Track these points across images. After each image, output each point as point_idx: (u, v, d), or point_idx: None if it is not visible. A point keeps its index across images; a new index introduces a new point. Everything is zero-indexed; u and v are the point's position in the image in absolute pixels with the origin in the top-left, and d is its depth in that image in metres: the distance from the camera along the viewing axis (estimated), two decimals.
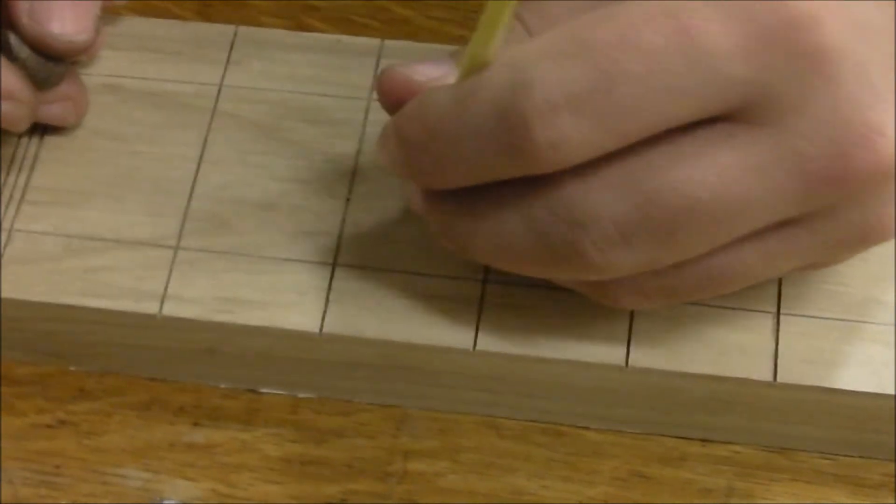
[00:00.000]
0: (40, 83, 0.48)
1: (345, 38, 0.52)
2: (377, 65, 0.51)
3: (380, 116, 0.50)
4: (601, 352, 0.46)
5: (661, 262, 0.41)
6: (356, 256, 0.47)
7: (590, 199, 0.40)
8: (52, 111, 0.49)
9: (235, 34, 0.52)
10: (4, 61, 0.47)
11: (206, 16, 0.55)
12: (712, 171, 0.39)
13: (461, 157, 0.40)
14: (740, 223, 0.40)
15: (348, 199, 0.48)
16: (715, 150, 0.39)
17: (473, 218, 0.42)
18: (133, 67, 0.51)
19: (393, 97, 0.43)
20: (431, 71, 0.43)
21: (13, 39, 0.47)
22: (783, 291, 0.46)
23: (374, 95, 0.50)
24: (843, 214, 0.40)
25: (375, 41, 0.52)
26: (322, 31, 0.54)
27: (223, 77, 0.51)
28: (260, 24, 0.54)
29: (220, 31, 0.52)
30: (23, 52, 0.47)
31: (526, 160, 0.39)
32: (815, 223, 0.41)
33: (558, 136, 0.38)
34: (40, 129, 0.50)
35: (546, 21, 0.42)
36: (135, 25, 0.52)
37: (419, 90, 0.42)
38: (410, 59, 0.44)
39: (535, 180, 0.40)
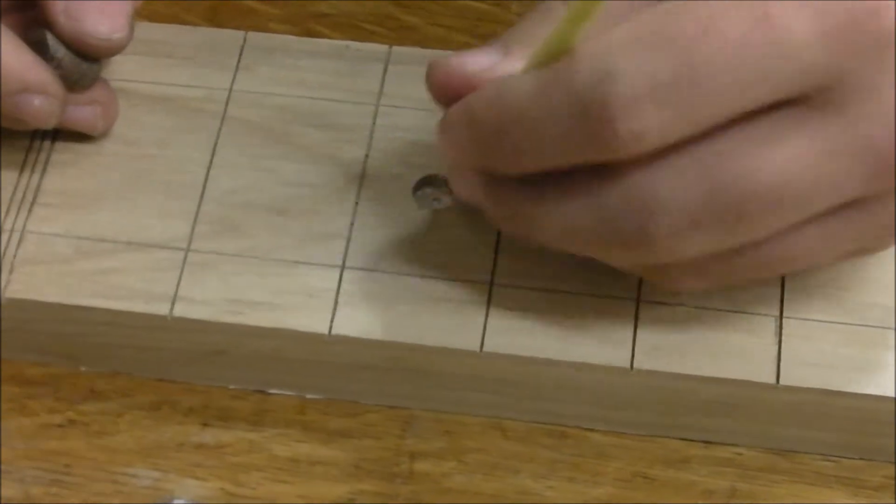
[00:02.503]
0: (74, 83, 0.48)
1: (353, 44, 0.53)
2: (385, 71, 0.52)
3: (388, 121, 0.50)
4: (606, 354, 0.46)
5: (727, 246, 0.41)
6: (364, 259, 0.48)
7: (660, 187, 0.40)
8: (82, 115, 0.49)
9: (245, 40, 0.53)
10: (37, 57, 0.48)
11: (214, 22, 0.56)
12: (783, 158, 0.39)
13: (538, 144, 0.41)
14: (807, 207, 0.40)
15: (357, 203, 0.49)
16: (786, 135, 0.39)
17: (540, 204, 0.42)
18: (143, 72, 0.52)
19: (447, 89, 0.44)
20: (483, 60, 0.43)
21: (50, 38, 0.48)
22: (785, 295, 0.47)
23: (383, 101, 0.51)
24: None
25: (383, 47, 0.52)
26: (330, 38, 0.54)
27: (233, 82, 0.52)
28: (268, 31, 0.54)
29: (229, 37, 0.53)
30: (59, 51, 0.48)
31: (605, 149, 0.40)
32: (876, 206, 0.41)
33: (641, 127, 0.39)
34: (52, 133, 0.50)
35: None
36: (145, 31, 0.52)
37: (474, 80, 0.43)
38: (458, 51, 0.44)
39: (606, 167, 0.41)
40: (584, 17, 0.39)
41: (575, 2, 0.39)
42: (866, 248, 0.44)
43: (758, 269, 0.43)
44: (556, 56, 0.40)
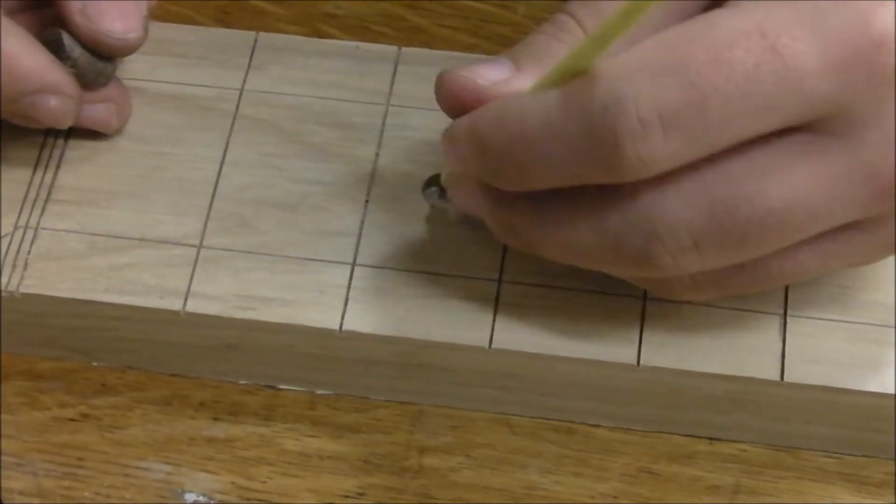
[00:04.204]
0: (89, 82, 0.49)
1: (363, 44, 0.53)
2: (394, 71, 0.52)
3: (398, 121, 0.51)
4: (613, 351, 0.47)
5: (727, 264, 0.42)
6: (375, 256, 0.48)
7: (665, 209, 0.41)
8: (96, 113, 0.50)
9: (256, 40, 0.53)
10: (53, 57, 0.48)
11: (225, 23, 0.56)
12: (786, 183, 0.40)
13: (545, 165, 0.41)
14: (807, 230, 0.41)
15: (367, 201, 0.49)
16: (790, 162, 0.40)
17: (542, 222, 0.43)
18: (156, 71, 0.52)
19: (456, 102, 0.44)
20: (493, 74, 0.44)
21: (66, 38, 0.48)
22: (790, 294, 0.48)
23: (393, 100, 0.51)
24: None
25: (393, 48, 0.53)
26: (339, 39, 0.55)
27: (244, 81, 0.52)
28: (277, 32, 0.55)
29: (241, 37, 0.53)
30: (75, 50, 0.48)
31: (613, 172, 0.40)
32: (872, 228, 0.42)
33: (648, 152, 0.39)
34: (66, 130, 0.51)
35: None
36: (157, 31, 0.53)
37: (483, 94, 0.43)
38: (470, 63, 0.44)
39: (612, 187, 0.41)
40: (615, 34, 0.39)
41: (601, 21, 0.39)
42: (861, 263, 0.45)
43: (754, 285, 0.44)
44: (570, 77, 0.41)
